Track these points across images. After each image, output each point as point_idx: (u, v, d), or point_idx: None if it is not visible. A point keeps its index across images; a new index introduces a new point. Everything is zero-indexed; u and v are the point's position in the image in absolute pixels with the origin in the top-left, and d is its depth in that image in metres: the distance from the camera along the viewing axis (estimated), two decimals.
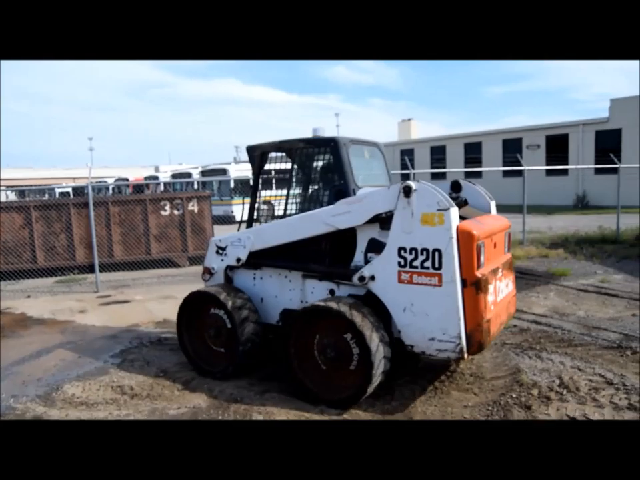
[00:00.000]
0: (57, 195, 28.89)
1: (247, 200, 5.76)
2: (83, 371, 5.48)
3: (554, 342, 5.77)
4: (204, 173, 24.04)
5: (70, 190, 25.95)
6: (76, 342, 6.52)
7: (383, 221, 4.38)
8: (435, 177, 22.52)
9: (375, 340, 4.10)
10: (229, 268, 5.42)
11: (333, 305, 4.24)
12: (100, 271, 9.97)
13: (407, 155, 26.85)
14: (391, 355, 4.29)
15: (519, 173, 15.05)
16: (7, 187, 36.27)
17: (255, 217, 5.70)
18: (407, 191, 4.13)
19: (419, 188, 4.12)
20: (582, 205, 23.25)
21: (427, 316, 4.13)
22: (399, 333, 4.29)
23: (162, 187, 23.59)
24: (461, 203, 4.95)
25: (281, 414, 4.24)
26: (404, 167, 12.23)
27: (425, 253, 4.10)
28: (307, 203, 5.20)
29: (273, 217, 5.70)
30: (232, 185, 21.92)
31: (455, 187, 5.17)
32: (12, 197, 33.43)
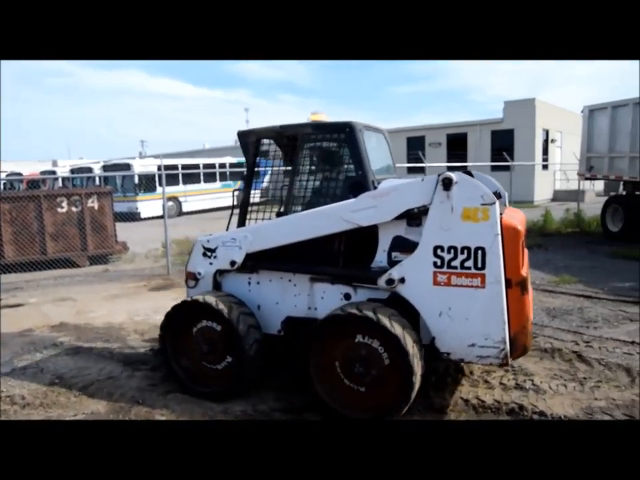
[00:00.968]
0: None
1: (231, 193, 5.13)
2: None
3: None
4: (106, 167, 22.89)
5: None
6: None
7: (411, 216, 3.96)
8: None
9: (416, 355, 3.71)
10: (219, 272, 4.73)
11: (369, 313, 3.73)
12: None
13: None
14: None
15: (422, 170, 15.73)
16: None
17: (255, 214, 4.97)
18: (447, 184, 3.71)
19: (460, 180, 3.72)
20: None
21: (467, 320, 3.76)
22: (433, 339, 3.87)
23: (60, 183, 22.19)
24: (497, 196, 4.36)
25: (185, 414, 4.15)
26: None
27: (465, 251, 3.72)
28: (316, 197, 4.53)
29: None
30: (136, 180, 21.10)
31: None
32: None
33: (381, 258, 4.11)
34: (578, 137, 14.35)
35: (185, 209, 23.40)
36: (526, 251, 4.23)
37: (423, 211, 3.85)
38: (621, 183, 13.20)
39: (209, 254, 4.71)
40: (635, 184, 12.39)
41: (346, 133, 4.34)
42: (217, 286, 4.74)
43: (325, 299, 4.31)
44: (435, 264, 3.80)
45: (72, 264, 11.10)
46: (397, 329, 3.68)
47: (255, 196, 5.03)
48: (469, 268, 3.72)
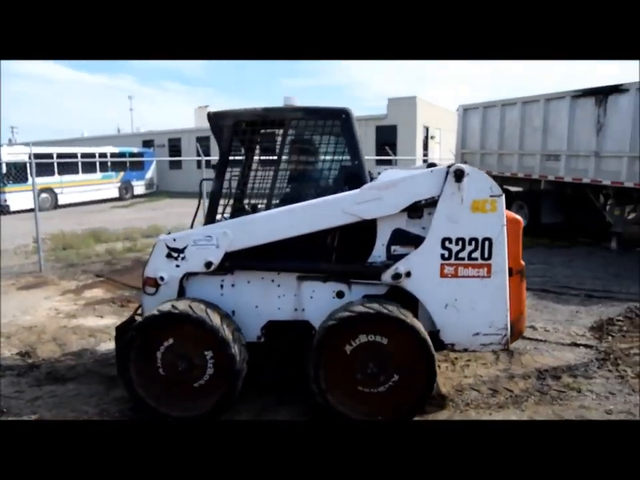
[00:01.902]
0: None
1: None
2: None
3: None
4: None
5: None
6: None
7: (413, 209, 3.85)
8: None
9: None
10: (187, 276, 4.09)
11: (394, 310, 3.61)
12: None
13: (203, 142, 26.51)
14: None
15: None
16: None
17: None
18: (459, 175, 3.67)
19: (472, 172, 3.71)
20: None
21: (473, 310, 3.78)
22: (438, 332, 3.83)
23: None
24: None
25: (58, 418, 3.89)
26: (199, 153, 12.21)
27: (473, 242, 3.73)
28: (306, 190, 4.21)
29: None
30: (4, 170, 19.29)
31: None
32: None
33: (379, 252, 3.93)
34: (455, 134, 15.32)
35: (61, 201, 21.77)
36: None
37: (430, 203, 3.79)
38: (492, 177, 14.29)
39: (175, 255, 4.04)
40: (503, 179, 13.49)
41: (342, 120, 4.03)
42: (181, 291, 4.11)
43: (314, 298, 4.01)
44: (442, 256, 3.77)
45: None
46: (415, 322, 3.63)
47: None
48: (476, 259, 3.75)
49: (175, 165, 28.08)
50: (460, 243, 3.76)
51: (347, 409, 3.66)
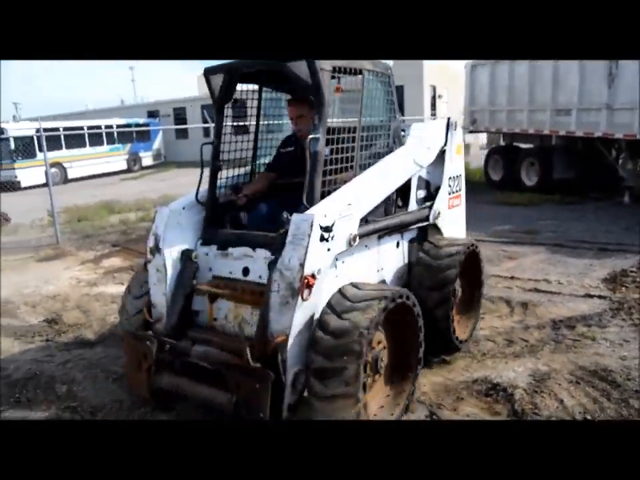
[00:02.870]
0: None
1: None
2: None
3: None
4: None
5: None
6: None
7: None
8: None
9: None
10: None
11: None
12: None
13: (207, 110, 26.35)
14: None
15: None
16: None
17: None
18: (454, 125, 4.55)
19: (455, 122, 4.58)
20: None
21: (455, 232, 4.68)
22: None
23: None
24: None
25: (88, 380, 4.06)
26: (205, 120, 12.17)
27: (456, 178, 4.69)
28: (365, 144, 3.73)
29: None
30: (12, 146, 19.37)
31: None
32: None
33: (414, 199, 4.31)
34: (463, 93, 15.09)
35: (70, 175, 21.87)
36: None
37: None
38: (501, 135, 14.16)
39: (326, 235, 3.07)
40: (513, 135, 13.36)
41: (389, 75, 3.95)
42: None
43: (386, 253, 3.94)
44: (449, 192, 4.58)
45: None
46: None
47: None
48: (458, 190, 4.77)
49: (182, 134, 27.95)
50: (452, 179, 4.64)
51: None
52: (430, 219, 4.28)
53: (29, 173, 19.22)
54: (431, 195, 4.47)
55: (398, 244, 4.11)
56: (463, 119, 14.46)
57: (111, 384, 4.06)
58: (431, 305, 3.86)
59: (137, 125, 25.54)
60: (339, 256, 3.25)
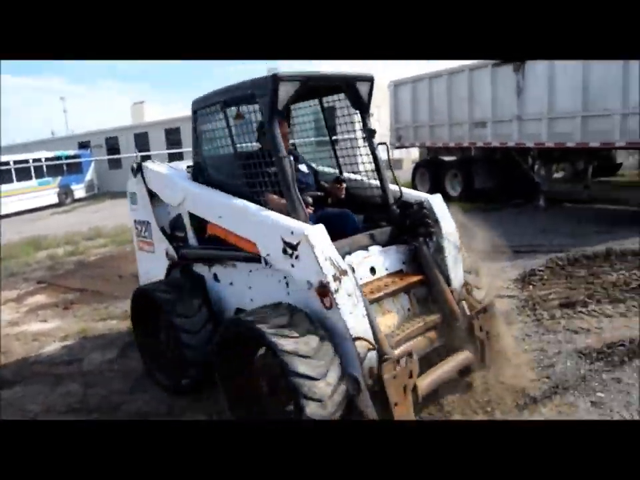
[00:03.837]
0: None
1: None
2: None
3: None
4: None
5: None
6: None
7: None
8: (172, 157, 22.37)
9: None
10: None
11: None
12: None
13: (140, 138, 26.21)
14: None
15: None
16: None
17: None
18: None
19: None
20: None
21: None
22: None
23: None
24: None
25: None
26: (142, 150, 12.12)
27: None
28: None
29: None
30: None
31: None
32: None
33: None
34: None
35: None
36: None
37: None
38: (426, 149, 14.75)
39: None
40: (436, 149, 13.94)
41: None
42: None
43: None
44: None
45: None
46: None
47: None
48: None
49: (115, 165, 27.45)
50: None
51: None
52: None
53: None
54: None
55: None
56: (389, 136, 14.98)
57: None
58: None
59: (67, 157, 24.89)
60: None
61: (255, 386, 3.47)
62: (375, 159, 4.04)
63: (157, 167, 4.63)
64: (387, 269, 3.67)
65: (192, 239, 4.24)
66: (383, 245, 3.72)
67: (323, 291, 3.05)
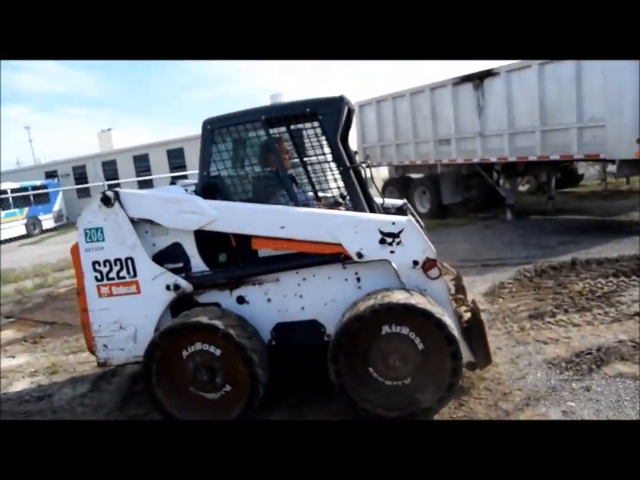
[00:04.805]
0: None
1: None
2: None
3: None
4: None
5: None
6: None
7: None
8: (142, 185, 22.21)
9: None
10: None
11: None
12: None
13: (108, 166, 25.99)
14: None
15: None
16: None
17: None
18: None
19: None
20: None
21: None
22: None
23: None
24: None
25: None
26: (109, 178, 11.94)
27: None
28: None
29: None
30: None
31: None
32: None
33: None
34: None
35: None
36: None
37: None
38: (394, 167, 14.97)
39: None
40: (404, 167, 14.17)
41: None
42: None
43: None
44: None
45: None
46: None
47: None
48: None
49: (84, 193, 27.07)
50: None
51: None
52: None
53: None
54: None
55: None
56: (357, 156, 15.10)
57: None
58: None
59: (34, 188, 24.49)
60: None
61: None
62: (359, 176, 4.41)
63: (148, 192, 4.39)
64: None
65: (198, 266, 4.04)
66: None
67: (432, 264, 3.71)
